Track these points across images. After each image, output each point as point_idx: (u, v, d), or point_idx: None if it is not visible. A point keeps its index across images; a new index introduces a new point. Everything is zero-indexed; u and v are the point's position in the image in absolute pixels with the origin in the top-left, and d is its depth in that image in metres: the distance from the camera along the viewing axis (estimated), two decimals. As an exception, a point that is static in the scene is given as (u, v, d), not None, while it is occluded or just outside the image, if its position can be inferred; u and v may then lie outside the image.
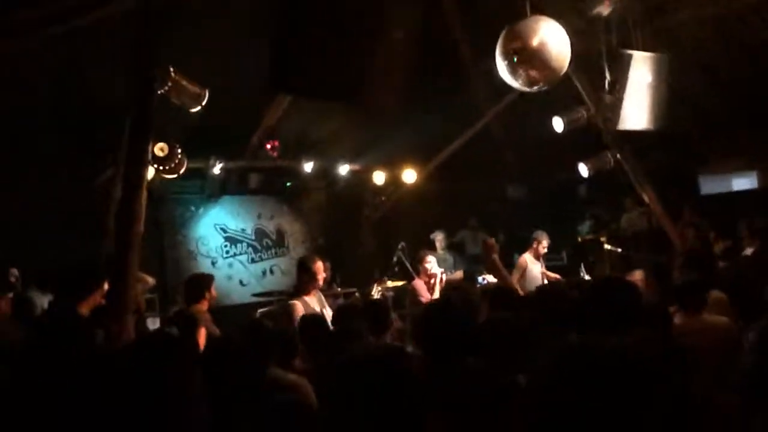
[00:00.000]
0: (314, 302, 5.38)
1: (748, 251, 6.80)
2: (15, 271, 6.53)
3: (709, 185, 10.79)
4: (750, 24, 6.90)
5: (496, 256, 5.56)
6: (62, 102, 7.43)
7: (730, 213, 9.25)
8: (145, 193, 4.16)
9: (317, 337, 3.91)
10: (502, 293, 4.21)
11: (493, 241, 5.91)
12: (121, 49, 6.42)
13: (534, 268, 7.78)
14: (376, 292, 7.06)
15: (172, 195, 8.77)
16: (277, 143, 8.93)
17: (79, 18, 5.51)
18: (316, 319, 4.48)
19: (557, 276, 7.91)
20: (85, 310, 4.48)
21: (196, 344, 3.95)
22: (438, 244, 9.15)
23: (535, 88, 5.58)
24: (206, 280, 5.35)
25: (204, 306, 5.12)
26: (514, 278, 7.60)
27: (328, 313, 5.48)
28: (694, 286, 3.98)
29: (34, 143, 7.59)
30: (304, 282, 5.47)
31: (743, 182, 10.97)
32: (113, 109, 6.99)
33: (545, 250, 7.96)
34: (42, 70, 6.94)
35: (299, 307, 5.13)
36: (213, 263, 9.22)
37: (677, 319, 3.70)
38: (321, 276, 5.52)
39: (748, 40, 7.20)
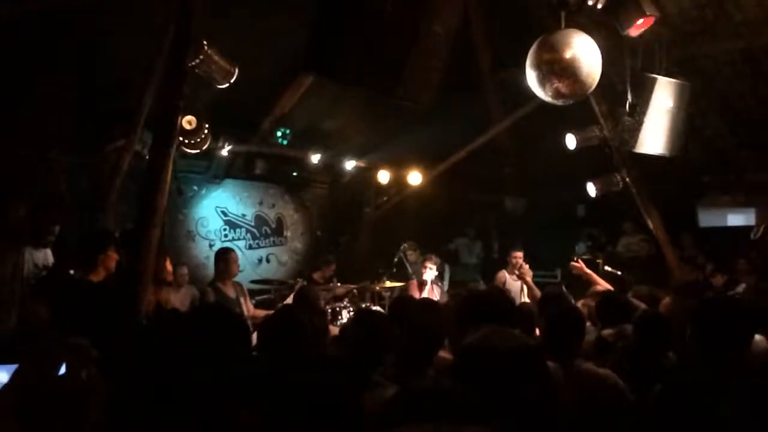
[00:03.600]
0: (229, 290, 6.02)
1: (741, 287, 6.85)
2: None
3: (708, 218, 10.87)
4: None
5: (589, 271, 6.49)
6: (71, 68, 7.31)
7: (727, 247, 9.33)
8: (171, 166, 4.09)
9: None
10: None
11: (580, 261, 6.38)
12: (140, 14, 6.41)
13: (514, 284, 7.76)
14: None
15: (177, 172, 8.65)
16: (287, 131, 8.89)
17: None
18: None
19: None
20: (94, 278, 4.46)
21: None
22: (410, 257, 8.75)
23: (562, 101, 5.60)
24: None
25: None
26: None
27: (248, 304, 6.23)
28: None
29: (38, 108, 7.46)
30: (219, 270, 6.11)
31: (739, 218, 11.09)
32: (125, 78, 6.94)
33: (519, 263, 7.87)
34: (55, 34, 6.82)
35: (210, 293, 5.85)
36: (210, 245, 9.11)
37: None
38: (235, 266, 6.16)
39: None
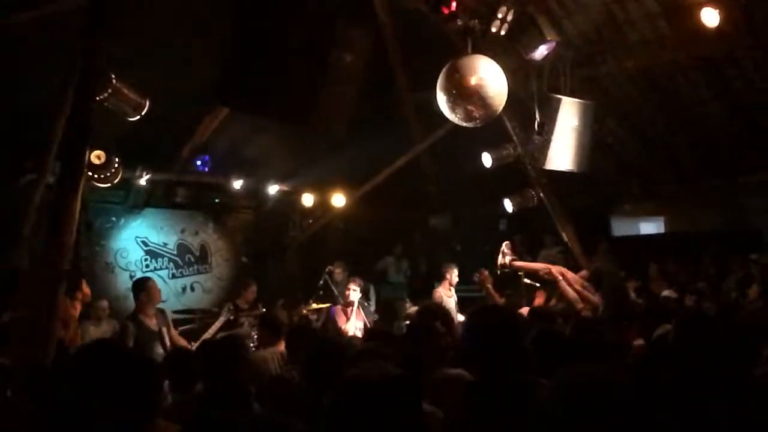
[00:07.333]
0: (151, 321, 5.76)
1: (666, 292, 7.24)
2: None
3: (620, 227, 11.42)
4: (672, 79, 7.43)
5: (490, 286, 6.12)
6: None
7: (639, 255, 9.80)
8: (79, 202, 4.02)
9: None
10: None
11: (486, 272, 6.34)
12: (50, 49, 6.26)
13: (449, 300, 8.00)
14: None
15: (93, 203, 8.42)
16: (207, 158, 8.81)
17: (14, 15, 5.31)
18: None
19: None
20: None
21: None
22: (337, 276, 8.79)
23: (472, 123, 5.82)
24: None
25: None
26: None
27: (172, 333, 6.01)
28: None
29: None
30: (141, 301, 5.81)
31: (651, 227, 11.69)
32: (37, 111, 6.73)
33: (456, 280, 8.24)
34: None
35: (130, 327, 5.55)
36: (131, 276, 8.87)
37: None
38: (157, 295, 5.93)
39: (668, 95, 7.75)
